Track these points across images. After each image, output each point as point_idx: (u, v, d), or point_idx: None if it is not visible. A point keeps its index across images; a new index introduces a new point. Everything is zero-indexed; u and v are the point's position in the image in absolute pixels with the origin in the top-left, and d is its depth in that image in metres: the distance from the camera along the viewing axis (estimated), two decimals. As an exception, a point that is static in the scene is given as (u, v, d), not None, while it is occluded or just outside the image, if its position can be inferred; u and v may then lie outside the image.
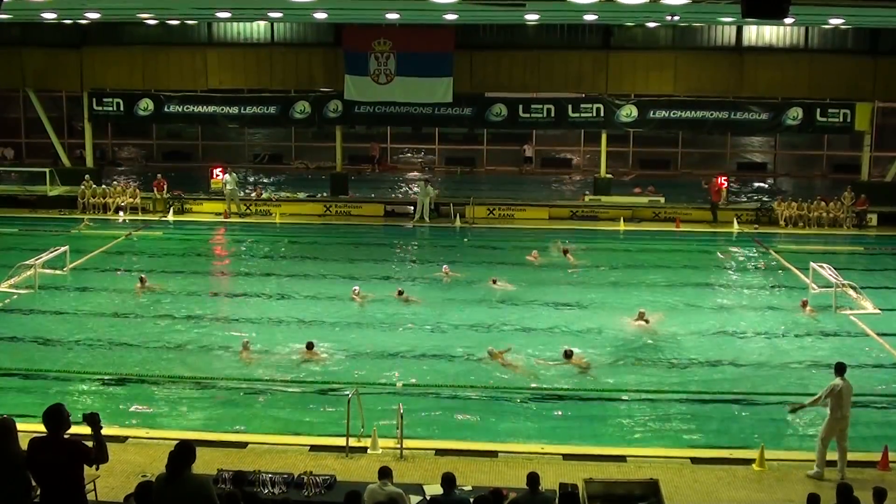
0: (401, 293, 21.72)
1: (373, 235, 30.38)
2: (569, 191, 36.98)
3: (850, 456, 13.11)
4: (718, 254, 28.41)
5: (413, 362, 17.61)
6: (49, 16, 28.99)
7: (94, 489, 10.92)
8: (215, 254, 28.78)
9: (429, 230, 30.86)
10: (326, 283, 23.06)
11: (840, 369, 13.01)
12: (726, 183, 33.77)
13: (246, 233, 30.45)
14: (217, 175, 33.89)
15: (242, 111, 34.44)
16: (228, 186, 32.29)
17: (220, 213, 32.15)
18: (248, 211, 32.56)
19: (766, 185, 38.16)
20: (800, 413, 14.30)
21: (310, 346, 17.85)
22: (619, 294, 22.51)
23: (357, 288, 21.82)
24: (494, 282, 22.94)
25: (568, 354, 17.35)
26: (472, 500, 10.00)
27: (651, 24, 31.62)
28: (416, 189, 33.50)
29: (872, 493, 10.40)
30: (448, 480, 10.31)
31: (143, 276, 22.75)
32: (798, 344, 19.01)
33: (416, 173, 40.58)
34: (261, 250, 27.65)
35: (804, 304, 21.29)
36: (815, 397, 13.12)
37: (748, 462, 13.13)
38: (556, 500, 10.52)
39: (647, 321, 19.77)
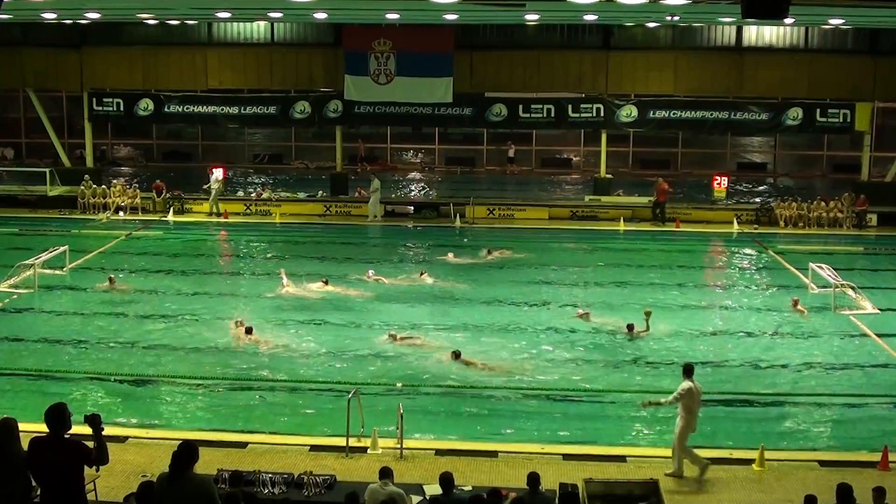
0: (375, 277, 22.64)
1: (373, 235, 30.37)
2: (567, 191, 36.96)
3: (850, 456, 13.38)
4: (718, 254, 28.39)
5: (413, 362, 17.59)
6: (49, 16, 28.98)
7: (95, 489, 10.93)
8: (215, 253, 28.74)
9: (429, 230, 30.77)
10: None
11: (688, 371, 12.99)
12: (726, 182, 33.81)
13: (246, 233, 30.44)
14: (214, 174, 33.78)
15: (242, 111, 34.42)
16: (215, 185, 32.30)
17: (219, 214, 32.10)
18: (248, 211, 32.51)
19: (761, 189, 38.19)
20: (650, 410, 14.19)
21: (248, 330, 18.24)
22: (620, 294, 22.53)
23: (283, 278, 22.29)
24: (422, 273, 23.29)
25: (456, 355, 17.30)
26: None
27: (651, 24, 31.62)
28: (370, 186, 32.13)
29: (872, 494, 10.41)
30: (446, 481, 10.29)
31: (111, 276, 22.81)
32: (797, 344, 19.01)
33: (415, 173, 40.61)
34: (260, 250, 27.64)
35: (795, 303, 21.25)
36: (670, 398, 12.99)
37: (748, 462, 13.13)
38: (556, 500, 10.53)
39: (588, 320, 19.91)
